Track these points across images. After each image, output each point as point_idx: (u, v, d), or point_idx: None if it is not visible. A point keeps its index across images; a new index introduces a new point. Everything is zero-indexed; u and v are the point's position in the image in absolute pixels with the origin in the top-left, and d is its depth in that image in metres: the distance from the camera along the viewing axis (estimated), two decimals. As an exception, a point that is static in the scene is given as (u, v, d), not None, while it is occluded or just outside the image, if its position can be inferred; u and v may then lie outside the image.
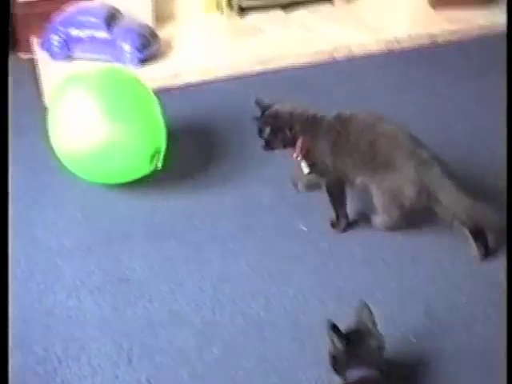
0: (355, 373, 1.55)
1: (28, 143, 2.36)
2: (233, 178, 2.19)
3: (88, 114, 2.02)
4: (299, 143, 1.96)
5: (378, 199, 1.92)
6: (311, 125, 1.96)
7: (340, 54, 2.80)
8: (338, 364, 1.53)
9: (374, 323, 1.54)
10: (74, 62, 2.71)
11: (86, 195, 2.14)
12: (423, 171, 1.84)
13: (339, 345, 1.49)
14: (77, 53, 2.71)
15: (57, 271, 1.88)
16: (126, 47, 2.65)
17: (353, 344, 1.51)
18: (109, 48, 2.67)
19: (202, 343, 1.67)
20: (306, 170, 2.00)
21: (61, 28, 2.69)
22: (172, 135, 2.18)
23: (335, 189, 2.00)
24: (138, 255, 1.92)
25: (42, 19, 2.75)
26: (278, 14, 3.07)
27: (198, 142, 2.35)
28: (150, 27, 2.76)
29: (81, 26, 2.68)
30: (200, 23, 3.01)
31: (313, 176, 2.02)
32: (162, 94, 2.32)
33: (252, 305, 1.76)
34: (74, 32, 2.68)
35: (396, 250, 1.92)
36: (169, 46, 2.78)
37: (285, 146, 1.98)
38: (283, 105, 1.99)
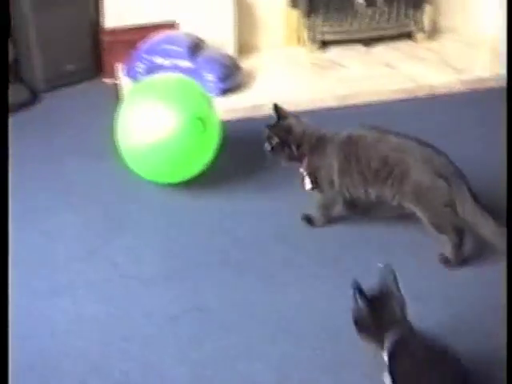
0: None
1: (109, 167, 2.39)
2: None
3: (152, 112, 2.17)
4: (305, 162, 2.04)
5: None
6: (319, 145, 2.03)
7: (421, 92, 2.79)
8: (360, 324, 1.58)
9: (398, 286, 1.58)
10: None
11: (165, 223, 2.16)
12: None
13: (362, 305, 1.55)
14: (159, 80, 2.77)
15: (136, 297, 1.90)
16: (209, 77, 2.69)
17: (375, 305, 1.56)
18: (191, 77, 2.70)
19: (279, 378, 1.66)
20: (308, 186, 2.08)
21: (146, 56, 2.75)
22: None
23: (331, 205, 2.10)
24: (215, 285, 1.93)
25: (127, 46, 2.82)
26: (358, 49, 3.08)
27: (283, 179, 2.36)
28: (232, 58, 2.80)
29: (165, 54, 2.74)
30: (281, 55, 3.04)
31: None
32: (242, 123, 2.37)
33: (328, 341, 1.75)
34: (159, 60, 2.74)
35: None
36: (250, 77, 2.81)
37: (290, 160, 2.06)
38: (298, 119, 2.07)
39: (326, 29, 3.04)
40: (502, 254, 1.83)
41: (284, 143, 2.03)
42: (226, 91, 2.71)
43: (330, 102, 2.73)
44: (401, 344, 1.54)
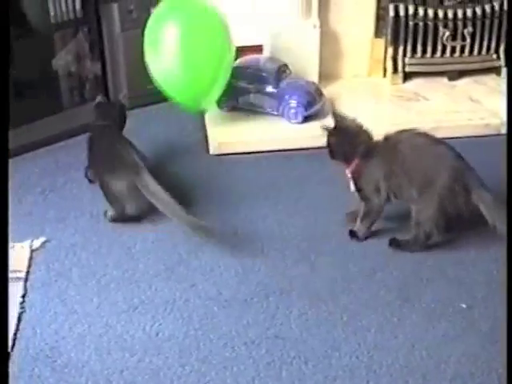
0: None
1: (190, 187, 2.41)
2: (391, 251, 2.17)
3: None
4: (353, 164, 2.14)
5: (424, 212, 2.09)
6: (368, 153, 2.13)
7: (505, 129, 2.74)
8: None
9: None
10: (238, 113, 2.79)
11: (244, 247, 2.17)
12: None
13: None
14: (241, 103, 2.80)
15: (214, 320, 1.91)
16: (292, 103, 2.70)
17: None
18: (274, 102, 2.73)
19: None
20: (352, 188, 2.18)
21: (231, 79, 2.77)
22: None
23: (375, 214, 2.17)
24: (294, 313, 1.92)
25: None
26: (441, 82, 3.05)
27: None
28: (316, 85, 2.81)
29: (250, 78, 2.76)
30: (364, 85, 3.03)
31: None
32: (320, 152, 2.35)
33: (409, 381, 1.72)
34: (243, 84, 2.77)
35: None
36: (332, 105, 2.80)
37: (344, 161, 2.17)
38: (355, 122, 2.18)
39: (410, 60, 3.03)
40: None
41: (341, 144, 2.16)
42: (308, 118, 2.71)
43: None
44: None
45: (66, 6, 2.69)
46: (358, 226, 2.19)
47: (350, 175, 2.16)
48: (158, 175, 2.41)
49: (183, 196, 2.36)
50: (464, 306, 1.95)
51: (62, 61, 2.76)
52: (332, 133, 2.18)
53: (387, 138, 2.14)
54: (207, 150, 2.61)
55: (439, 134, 2.66)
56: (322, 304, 1.95)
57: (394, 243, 2.16)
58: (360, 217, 2.18)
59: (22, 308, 1.94)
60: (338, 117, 2.19)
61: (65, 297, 1.98)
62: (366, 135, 2.16)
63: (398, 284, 2.03)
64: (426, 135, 2.15)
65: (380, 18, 3.02)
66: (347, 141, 2.16)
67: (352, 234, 2.19)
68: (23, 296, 1.98)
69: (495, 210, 2.02)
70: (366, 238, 2.19)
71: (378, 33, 3.03)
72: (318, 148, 2.54)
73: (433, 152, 2.11)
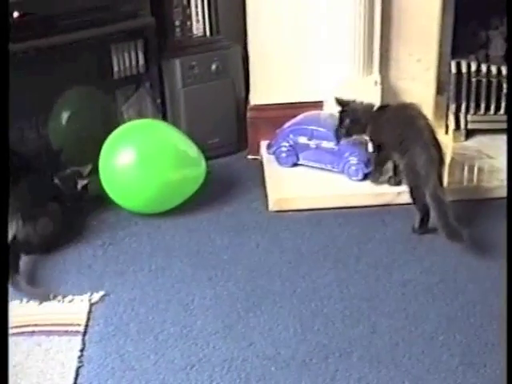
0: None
1: (250, 244, 2.42)
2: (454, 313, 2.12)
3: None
4: (368, 129, 2.60)
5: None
6: (374, 115, 2.62)
7: None
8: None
9: None
10: (298, 168, 2.79)
11: (303, 306, 2.14)
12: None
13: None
14: (302, 160, 2.80)
15: (271, 380, 1.87)
16: (353, 160, 2.68)
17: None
18: (334, 159, 2.72)
19: None
20: (371, 149, 2.65)
21: (291, 135, 2.78)
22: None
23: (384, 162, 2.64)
24: (354, 376, 1.87)
25: (272, 124, 2.87)
26: (505, 139, 2.99)
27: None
28: (376, 142, 2.79)
29: (310, 134, 2.76)
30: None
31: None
32: (381, 210, 2.34)
33: None
34: (303, 140, 2.76)
35: None
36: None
37: (360, 133, 2.62)
38: (355, 102, 2.65)
39: (472, 117, 2.99)
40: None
41: (354, 120, 2.61)
42: (368, 175, 2.69)
43: (474, 193, 2.67)
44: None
45: (130, 62, 2.75)
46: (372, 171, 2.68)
47: (368, 138, 2.62)
48: (215, 229, 2.43)
49: (241, 251, 2.37)
50: None
51: (125, 115, 2.81)
52: (344, 114, 2.63)
53: (384, 107, 2.66)
54: (266, 206, 2.61)
55: (503, 194, 2.63)
56: (382, 368, 1.90)
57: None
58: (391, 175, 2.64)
59: (80, 362, 1.94)
60: (340, 101, 2.64)
61: (123, 352, 1.97)
62: (370, 107, 2.64)
63: (461, 348, 1.96)
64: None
65: (442, 74, 3.01)
66: (358, 115, 2.61)
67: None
68: (81, 350, 1.98)
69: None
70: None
71: (439, 89, 3.01)
72: (379, 206, 2.55)
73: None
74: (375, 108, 2.64)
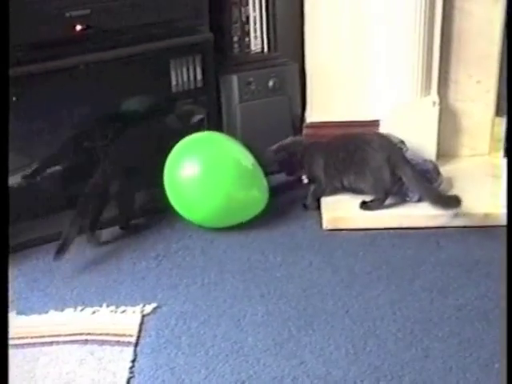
0: None
1: (303, 262, 2.41)
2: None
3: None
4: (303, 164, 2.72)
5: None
6: (308, 148, 2.74)
7: None
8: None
9: None
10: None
11: (355, 326, 2.11)
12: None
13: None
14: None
15: (322, 401, 1.87)
16: (409, 181, 2.66)
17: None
18: (390, 179, 2.71)
19: None
20: (305, 180, 2.77)
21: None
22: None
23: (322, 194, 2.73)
24: (406, 400, 1.85)
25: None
26: None
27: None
28: (433, 163, 2.76)
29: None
30: (482, 165, 2.95)
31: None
32: (436, 232, 2.36)
33: None
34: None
35: None
36: (449, 184, 2.75)
37: (300, 168, 2.73)
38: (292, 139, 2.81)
39: (531, 140, 2.95)
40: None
41: (291, 156, 2.73)
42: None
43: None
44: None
45: (188, 76, 2.77)
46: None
47: (305, 178, 2.77)
48: (268, 246, 2.43)
49: (294, 269, 2.36)
50: None
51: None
52: (282, 154, 2.73)
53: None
54: (321, 225, 2.60)
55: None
56: (434, 392, 1.88)
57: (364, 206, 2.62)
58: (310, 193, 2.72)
59: (131, 373, 1.95)
60: (280, 148, 2.74)
61: (173, 365, 1.98)
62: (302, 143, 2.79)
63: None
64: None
65: (501, 96, 2.97)
66: (293, 154, 2.72)
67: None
68: (133, 361, 1.99)
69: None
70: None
71: (499, 111, 2.97)
72: (434, 228, 2.51)
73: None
74: (307, 144, 2.77)
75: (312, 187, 2.71)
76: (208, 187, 2.53)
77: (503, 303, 1.81)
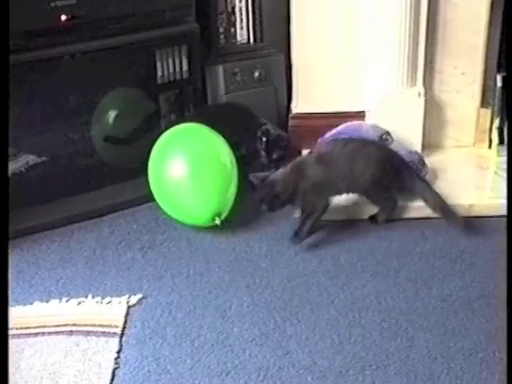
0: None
1: (288, 253, 2.41)
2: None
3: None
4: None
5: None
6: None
7: None
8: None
9: None
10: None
11: (341, 317, 2.12)
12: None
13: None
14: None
15: (308, 390, 1.87)
16: (394, 171, 2.67)
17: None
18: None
19: None
20: (297, 215, 2.51)
21: (332, 145, 2.78)
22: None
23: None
24: (392, 390, 1.86)
25: (313, 133, 2.85)
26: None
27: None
28: (419, 154, 2.76)
29: (351, 144, 2.75)
30: (467, 156, 2.95)
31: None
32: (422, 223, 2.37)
33: None
34: (344, 150, 2.76)
35: None
36: (433, 175, 2.75)
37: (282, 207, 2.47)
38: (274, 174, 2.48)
39: (516, 132, 2.96)
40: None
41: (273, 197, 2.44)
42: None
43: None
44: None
45: (174, 67, 2.76)
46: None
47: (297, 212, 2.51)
48: (253, 237, 2.43)
49: (279, 260, 2.36)
50: None
51: (167, 121, 2.82)
52: (267, 190, 2.44)
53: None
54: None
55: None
56: (419, 382, 1.88)
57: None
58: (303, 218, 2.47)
59: (117, 364, 1.95)
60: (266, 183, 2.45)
61: (159, 356, 1.98)
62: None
63: (500, 366, 1.92)
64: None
65: (487, 87, 2.98)
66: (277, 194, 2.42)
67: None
68: (118, 352, 1.99)
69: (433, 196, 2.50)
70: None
71: (484, 103, 2.98)
72: (420, 219, 2.52)
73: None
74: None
75: (309, 221, 2.45)
76: (194, 193, 2.50)
77: (502, 295, 1.80)
